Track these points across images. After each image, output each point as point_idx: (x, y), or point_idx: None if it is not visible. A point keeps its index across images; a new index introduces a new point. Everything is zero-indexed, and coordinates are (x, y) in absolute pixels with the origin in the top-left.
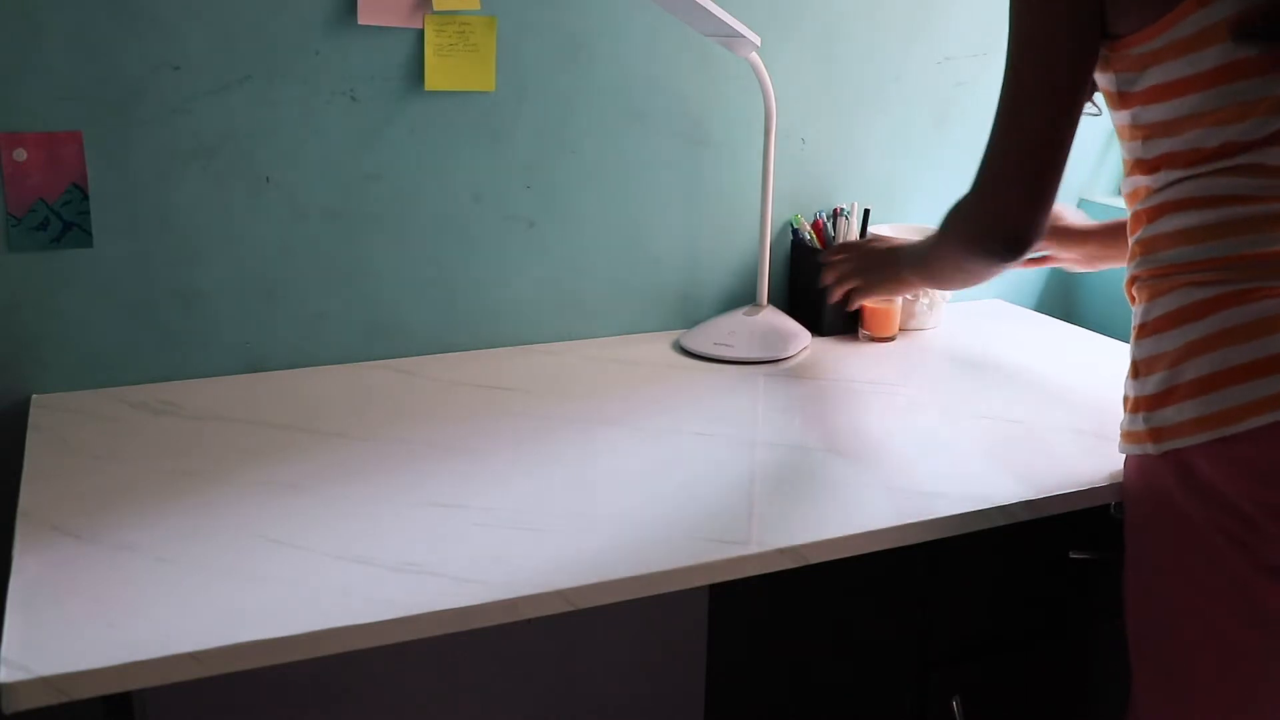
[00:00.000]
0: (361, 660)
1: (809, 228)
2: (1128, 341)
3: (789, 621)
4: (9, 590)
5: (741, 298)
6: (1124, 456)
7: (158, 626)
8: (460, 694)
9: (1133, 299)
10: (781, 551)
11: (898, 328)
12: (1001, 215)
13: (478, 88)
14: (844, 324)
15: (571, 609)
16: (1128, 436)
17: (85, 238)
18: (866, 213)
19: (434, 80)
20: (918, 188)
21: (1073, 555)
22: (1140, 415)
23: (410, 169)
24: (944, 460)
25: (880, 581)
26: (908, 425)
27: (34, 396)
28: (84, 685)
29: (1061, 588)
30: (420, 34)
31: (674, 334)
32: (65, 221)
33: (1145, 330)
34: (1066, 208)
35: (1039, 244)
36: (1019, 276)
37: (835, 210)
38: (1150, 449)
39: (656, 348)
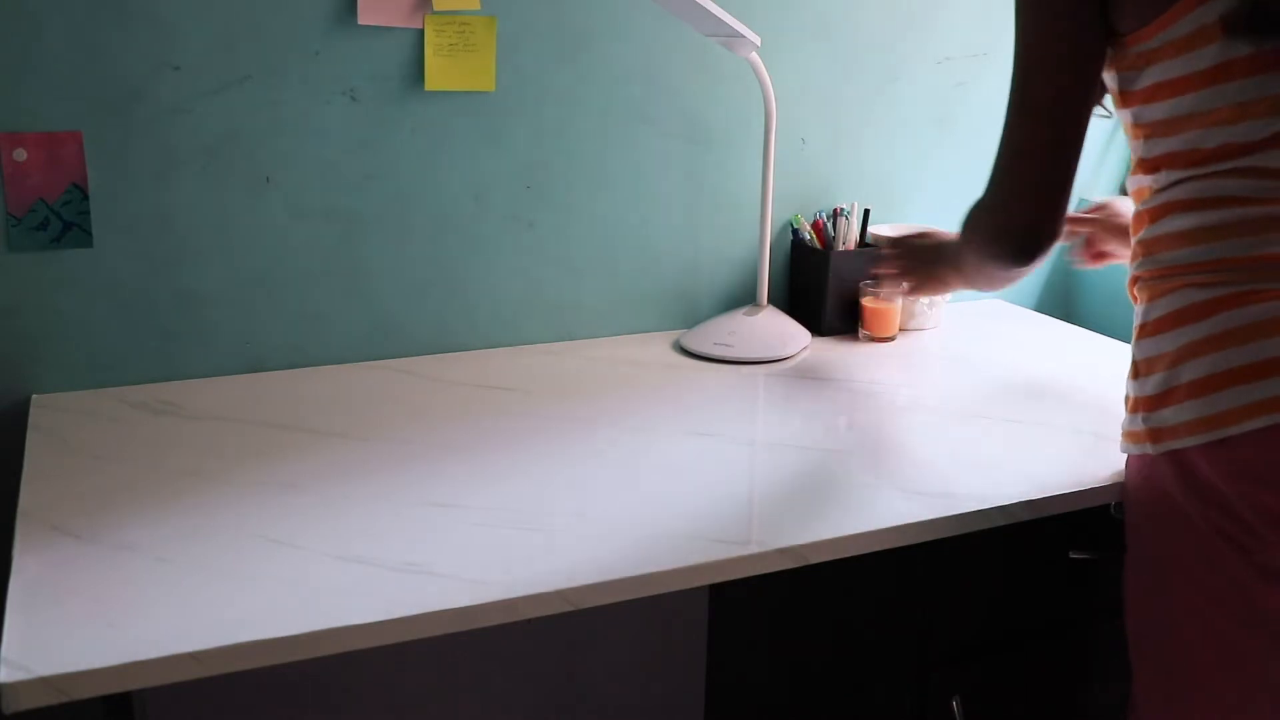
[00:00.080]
0: (361, 660)
1: (809, 228)
2: (1128, 341)
3: (789, 621)
4: (9, 590)
5: (741, 298)
6: (1125, 456)
7: (158, 626)
8: (460, 694)
9: (1134, 299)
10: (781, 551)
11: (898, 328)
12: (1014, 220)
13: (478, 88)
14: (844, 324)
15: (571, 609)
16: (1128, 436)
17: (85, 238)
18: (866, 213)
19: (434, 80)
20: (918, 187)
21: (1073, 555)
22: (1140, 415)
23: (410, 169)
24: (944, 460)
25: (880, 581)
26: (907, 425)
27: (34, 396)
28: (84, 685)
29: (1061, 588)
30: (420, 34)
31: (674, 334)
32: (65, 221)
33: (1145, 330)
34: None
35: (1054, 246)
36: None
37: (835, 210)
38: (1149, 449)
39: (656, 348)
